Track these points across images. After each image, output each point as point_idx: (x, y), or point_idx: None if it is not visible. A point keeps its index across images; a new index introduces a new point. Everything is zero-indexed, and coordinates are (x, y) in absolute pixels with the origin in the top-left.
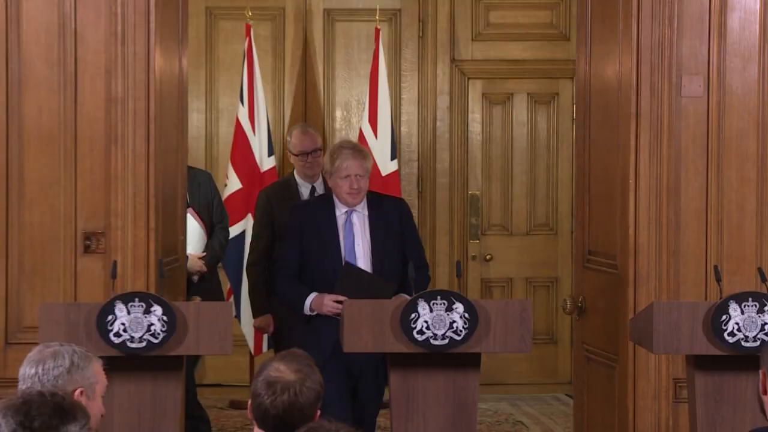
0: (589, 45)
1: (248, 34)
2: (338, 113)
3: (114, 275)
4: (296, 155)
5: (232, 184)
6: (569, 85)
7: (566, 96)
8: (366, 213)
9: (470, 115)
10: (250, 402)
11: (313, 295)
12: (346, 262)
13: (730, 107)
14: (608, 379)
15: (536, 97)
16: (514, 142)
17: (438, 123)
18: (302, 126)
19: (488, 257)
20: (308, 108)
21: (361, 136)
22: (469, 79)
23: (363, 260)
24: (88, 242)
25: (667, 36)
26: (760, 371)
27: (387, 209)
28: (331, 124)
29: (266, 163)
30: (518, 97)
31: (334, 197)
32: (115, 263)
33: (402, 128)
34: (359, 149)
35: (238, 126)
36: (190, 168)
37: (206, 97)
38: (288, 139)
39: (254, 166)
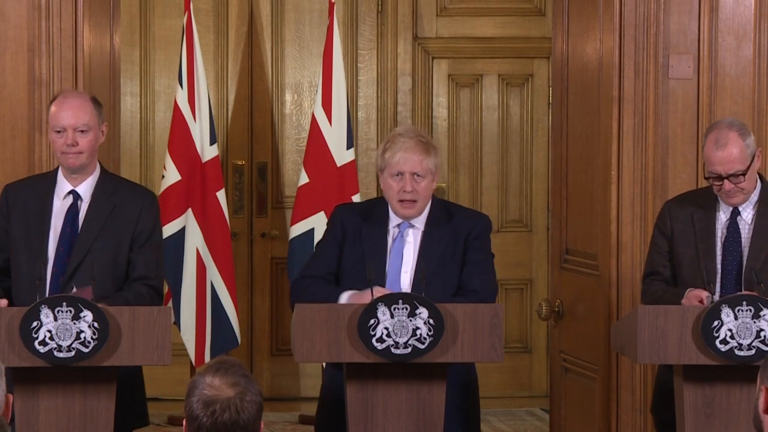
0: (567, 21)
1: (188, 8)
2: (288, 97)
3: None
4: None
5: (170, 175)
6: (545, 66)
7: (541, 78)
8: (423, 229)
9: (435, 99)
10: (185, 424)
11: (349, 293)
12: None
13: (723, 90)
14: (588, 391)
15: (508, 79)
16: (483, 128)
17: (399, 107)
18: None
19: None
20: (254, 91)
21: (314, 122)
22: (433, 58)
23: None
24: None
25: (653, 11)
26: (762, 387)
27: (456, 226)
28: (280, 109)
29: (208, 152)
30: (488, 78)
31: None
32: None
33: (359, 113)
34: (423, 140)
35: (177, 111)
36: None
37: (141, 78)
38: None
39: (195, 155)
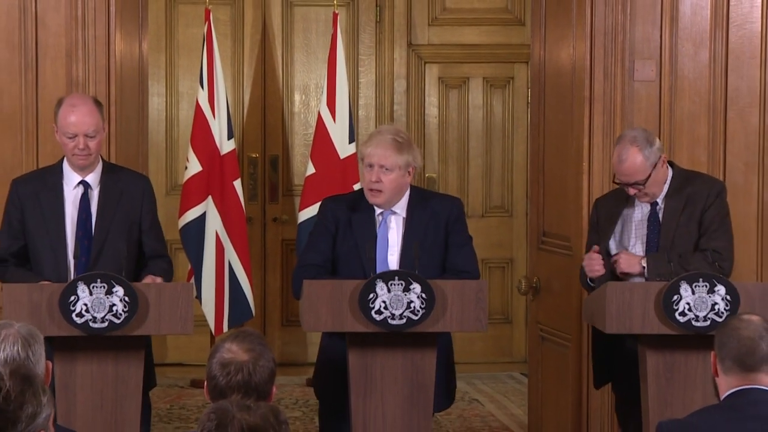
0: (544, 30)
1: (208, 18)
2: (297, 97)
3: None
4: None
5: (193, 166)
6: (524, 70)
7: (521, 80)
8: (404, 216)
9: (427, 99)
10: (206, 383)
11: None
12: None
13: (682, 91)
14: (562, 358)
15: (492, 81)
16: (470, 125)
17: (395, 106)
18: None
19: None
20: (267, 92)
21: (320, 119)
22: (425, 63)
23: None
24: None
25: (620, 21)
26: (712, 353)
27: (434, 211)
28: (289, 108)
29: (226, 146)
30: (474, 81)
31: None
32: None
33: (360, 111)
34: (399, 139)
35: (199, 109)
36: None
37: (167, 80)
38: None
39: (214, 149)
